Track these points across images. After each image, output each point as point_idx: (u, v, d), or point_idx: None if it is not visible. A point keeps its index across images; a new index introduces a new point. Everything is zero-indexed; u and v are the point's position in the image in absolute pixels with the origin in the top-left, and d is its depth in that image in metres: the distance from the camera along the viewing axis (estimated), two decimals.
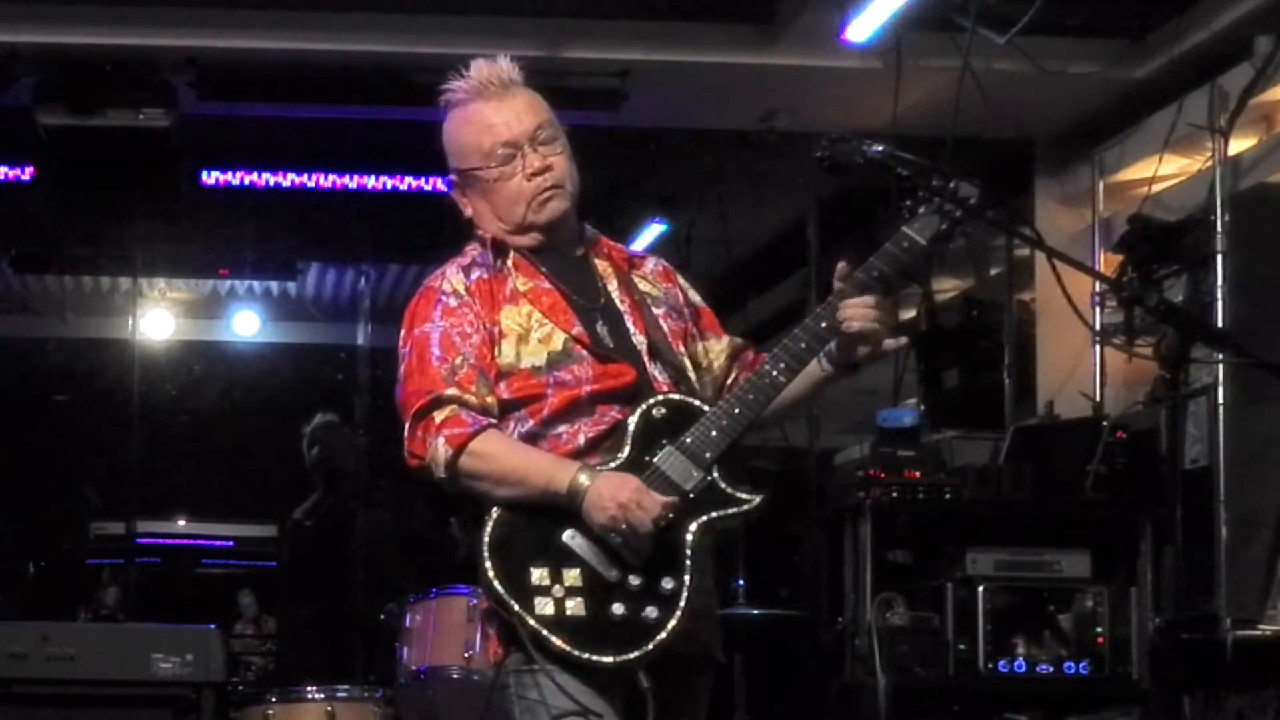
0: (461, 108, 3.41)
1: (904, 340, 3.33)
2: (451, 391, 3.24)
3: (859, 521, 6.32)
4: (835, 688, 6.45)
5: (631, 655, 3.14)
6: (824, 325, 3.27)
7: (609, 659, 3.14)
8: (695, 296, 3.56)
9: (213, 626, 6.12)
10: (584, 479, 3.17)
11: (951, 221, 3.30)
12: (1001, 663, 6.22)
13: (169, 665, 5.78)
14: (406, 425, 3.28)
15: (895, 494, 6.37)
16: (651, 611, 3.16)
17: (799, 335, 3.27)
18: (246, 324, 11.29)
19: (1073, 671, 6.23)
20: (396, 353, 3.40)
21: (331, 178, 8.33)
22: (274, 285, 11.11)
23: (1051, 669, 6.23)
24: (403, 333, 3.37)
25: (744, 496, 3.24)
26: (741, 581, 7.33)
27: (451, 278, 3.36)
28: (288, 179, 8.33)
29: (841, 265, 3.30)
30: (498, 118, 3.38)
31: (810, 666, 6.74)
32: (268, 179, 8.32)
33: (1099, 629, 6.24)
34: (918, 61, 6.73)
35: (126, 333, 9.54)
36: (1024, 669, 6.23)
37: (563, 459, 3.22)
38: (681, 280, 3.57)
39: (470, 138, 3.39)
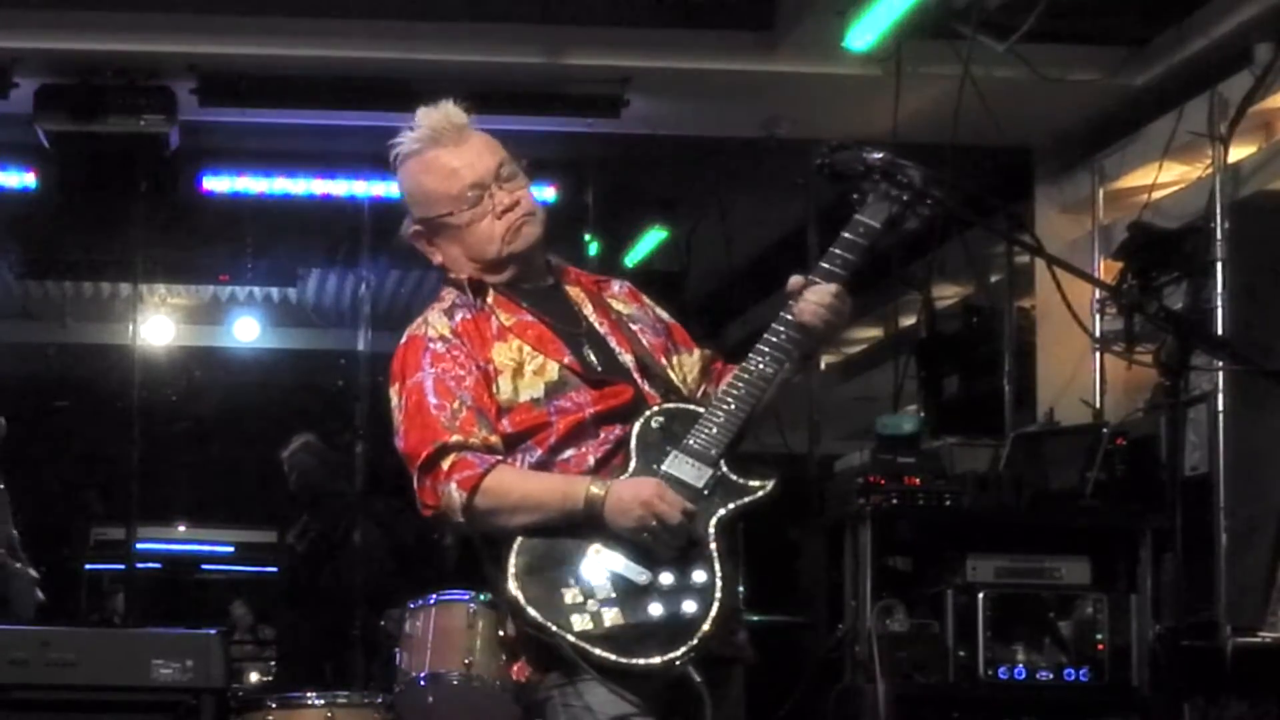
0: (419, 157, 3.43)
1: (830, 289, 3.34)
2: (455, 439, 3.27)
3: (859, 528, 6.32)
4: (835, 694, 6.45)
5: (679, 651, 3.15)
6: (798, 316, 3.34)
7: (657, 659, 3.15)
8: (664, 314, 3.61)
9: (213, 632, 6.12)
10: (597, 489, 3.21)
11: (900, 204, 3.37)
12: (1001, 669, 6.22)
13: (169, 671, 5.77)
14: (415, 477, 3.31)
15: (895, 501, 6.38)
16: (689, 606, 3.18)
17: (777, 329, 3.33)
18: (247, 330, 11.28)
19: (1073, 679, 6.22)
20: (391, 376, 3.43)
21: (332, 184, 8.35)
22: (274, 291, 11.11)
23: (1051, 676, 6.22)
24: (395, 384, 3.39)
25: (756, 484, 3.28)
26: (741, 588, 7.33)
27: (435, 323, 3.39)
28: (288, 185, 8.34)
29: (794, 278, 3.35)
30: (459, 161, 3.40)
31: (810, 673, 6.73)
32: (268, 185, 8.34)
33: (1099, 636, 6.24)
34: (918, 69, 6.73)
35: (127, 338, 9.52)
36: (1024, 676, 6.22)
37: (574, 477, 3.26)
38: (647, 299, 3.62)
39: (435, 185, 3.41)
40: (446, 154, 3.41)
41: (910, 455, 6.58)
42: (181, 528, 11.70)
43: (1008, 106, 6.78)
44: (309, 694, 5.70)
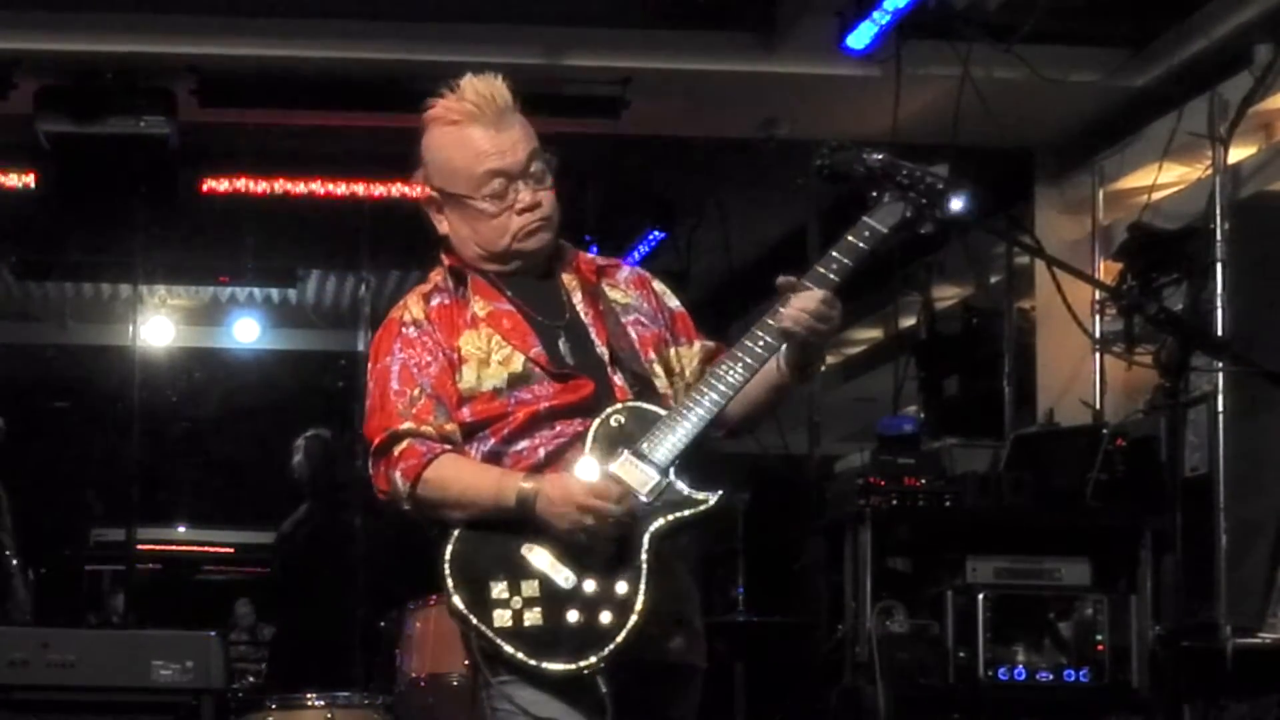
0: (454, 128, 3.37)
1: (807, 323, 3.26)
2: (407, 426, 3.26)
3: (859, 529, 6.32)
4: (835, 695, 6.45)
5: (587, 661, 3.14)
6: (780, 322, 3.25)
7: (561, 666, 3.14)
8: (672, 301, 3.54)
9: (213, 633, 6.13)
10: (529, 486, 3.18)
11: (917, 208, 3.30)
12: (1001, 671, 6.22)
13: (169, 672, 5.78)
14: (370, 463, 3.32)
15: (895, 502, 6.38)
16: (605, 617, 3.15)
17: (756, 334, 3.26)
18: (247, 331, 11.28)
19: (1073, 679, 6.23)
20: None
21: (332, 184, 8.34)
22: (274, 292, 11.11)
23: (1051, 677, 6.23)
24: (369, 366, 3.39)
25: (700, 498, 3.22)
26: (741, 589, 7.34)
27: (412, 307, 3.39)
28: (288, 186, 8.34)
29: (782, 279, 3.26)
30: (492, 146, 3.34)
31: (810, 674, 6.74)
32: (268, 186, 8.34)
33: (1099, 637, 6.24)
34: (918, 70, 6.73)
35: (127, 339, 9.53)
36: (1024, 677, 6.23)
37: (510, 473, 3.23)
38: (657, 286, 3.55)
39: (462, 162, 3.36)
40: (481, 134, 3.34)
41: (910, 456, 6.58)
42: (181, 529, 11.69)
43: (1008, 107, 6.78)
44: (309, 694, 5.70)
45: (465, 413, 3.30)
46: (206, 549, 11.69)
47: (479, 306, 3.37)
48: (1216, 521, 5.99)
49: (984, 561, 6.34)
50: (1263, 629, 5.83)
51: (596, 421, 3.25)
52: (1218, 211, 6.18)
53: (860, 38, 6.61)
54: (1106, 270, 7.05)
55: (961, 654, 6.22)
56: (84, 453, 11.10)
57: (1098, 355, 7.05)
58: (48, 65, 7.03)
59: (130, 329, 9.42)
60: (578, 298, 3.43)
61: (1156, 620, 6.22)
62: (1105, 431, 6.53)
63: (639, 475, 3.19)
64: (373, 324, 9.28)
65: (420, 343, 3.33)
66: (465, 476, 3.24)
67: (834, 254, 3.27)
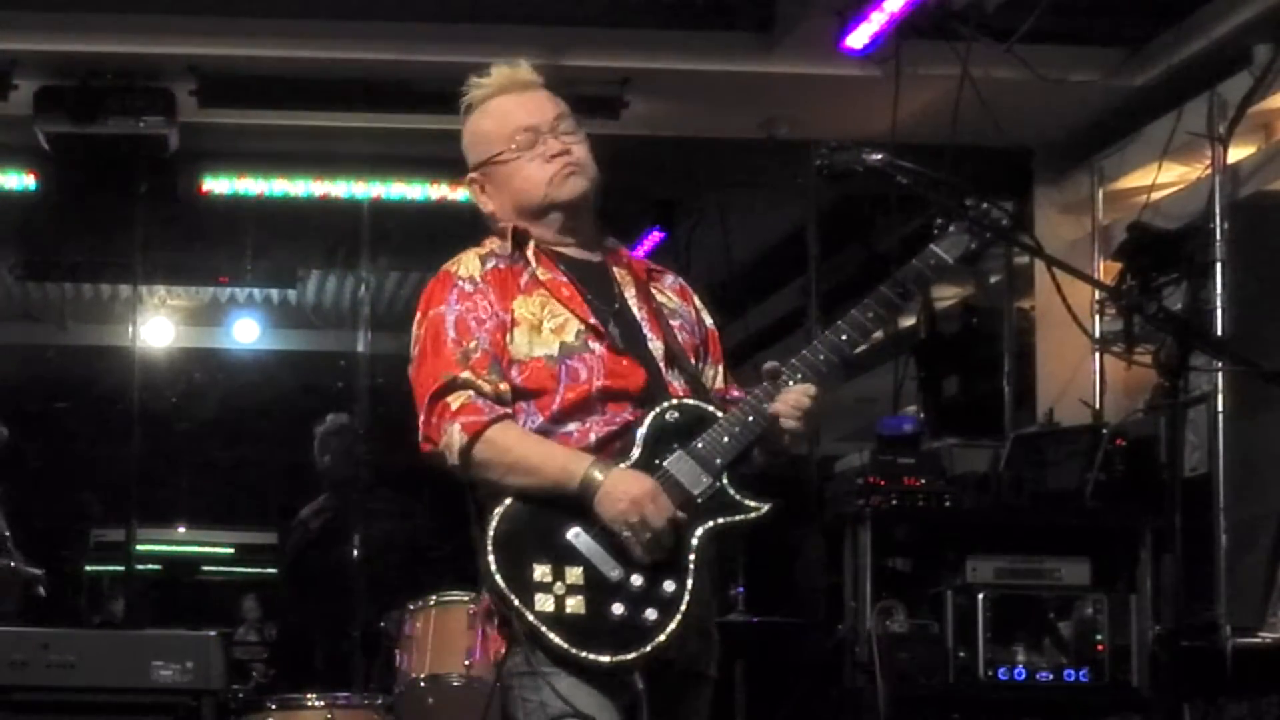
0: (481, 106, 3.46)
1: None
2: (465, 375, 3.25)
3: (859, 529, 6.32)
4: (835, 695, 6.45)
5: (629, 656, 3.15)
6: (844, 339, 3.30)
7: (605, 658, 3.15)
8: (709, 320, 3.58)
9: (213, 633, 6.12)
10: (598, 474, 3.18)
11: (982, 242, 3.36)
12: (1001, 670, 6.22)
13: (169, 673, 5.78)
14: (422, 409, 3.29)
15: (895, 501, 6.38)
16: (651, 614, 3.17)
17: (818, 348, 3.31)
18: (247, 331, 11.27)
19: (1073, 679, 6.23)
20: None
21: (332, 184, 8.34)
22: (274, 293, 11.10)
23: (1051, 677, 6.23)
24: (417, 316, 3.39)
25: (752, 504, 3.25)
26: (741, 589, 7.33)
27: (468, 263, 3.40)
28: (288, 186, 8.34)
29: (769, 365, 3.31)
30: (518, 107, 3.43)
31: (810, 674, 6.73)
32: (268, 186, 8.34)
33: (1099, 637, 6.24)
34: (917, 70, 6.73)
35: (127, 340, 9.53)
36: (1024, 677, 6.23)
37: (578, 453, 3.23)
38: (697, 301, 3.59)
39: (491, 127, 3.43)
40: (508, 100, 3.45)
41: (910, 456, 6.58)
42: (181, 529, 11.67)
43: (1007, 107, 6.78)
44: (309, 695, 5.71)
45: (514, 374, 3.30)
46: (206, 550, 11.69)
47: (540, 272, 3.38)
48: (1216, 521, 5.99)
49: (984, 561, 6.34)
50: (1263, 629, 5.84)
51: (652, 414, 3.26)
52: (1217, 211, 6.19)
53: (860, 37, 6.61)
54: (1106, 270, 7.06)
55: (961, 654, 6.23)
56: (84, 454, 11.08)
57: (1097, 355, 7.05)
58: (48, 65, 7.03)
59: (130, 329, 9.42)
60: (630, 291, 3.45)
61: (1156, 620, 6.23)
62: (1105, 431, 6.54)
63: (693, 475, 3.22)
64: (373, 324, 9.29)
65: (475, 299, 3.34)
66: (530, 446, 3.24)
67: (900, 277, 3.35)
